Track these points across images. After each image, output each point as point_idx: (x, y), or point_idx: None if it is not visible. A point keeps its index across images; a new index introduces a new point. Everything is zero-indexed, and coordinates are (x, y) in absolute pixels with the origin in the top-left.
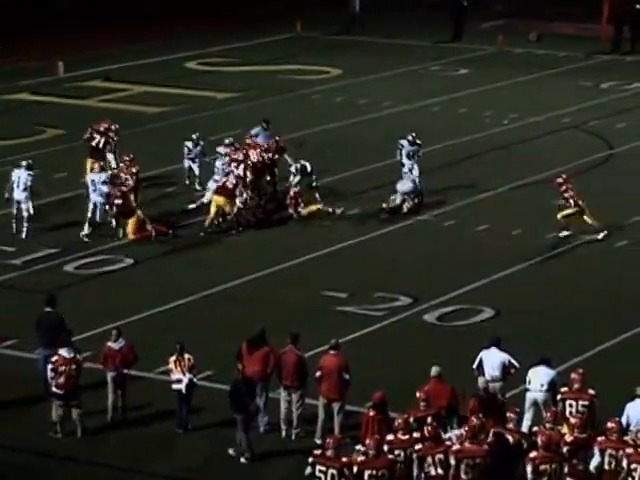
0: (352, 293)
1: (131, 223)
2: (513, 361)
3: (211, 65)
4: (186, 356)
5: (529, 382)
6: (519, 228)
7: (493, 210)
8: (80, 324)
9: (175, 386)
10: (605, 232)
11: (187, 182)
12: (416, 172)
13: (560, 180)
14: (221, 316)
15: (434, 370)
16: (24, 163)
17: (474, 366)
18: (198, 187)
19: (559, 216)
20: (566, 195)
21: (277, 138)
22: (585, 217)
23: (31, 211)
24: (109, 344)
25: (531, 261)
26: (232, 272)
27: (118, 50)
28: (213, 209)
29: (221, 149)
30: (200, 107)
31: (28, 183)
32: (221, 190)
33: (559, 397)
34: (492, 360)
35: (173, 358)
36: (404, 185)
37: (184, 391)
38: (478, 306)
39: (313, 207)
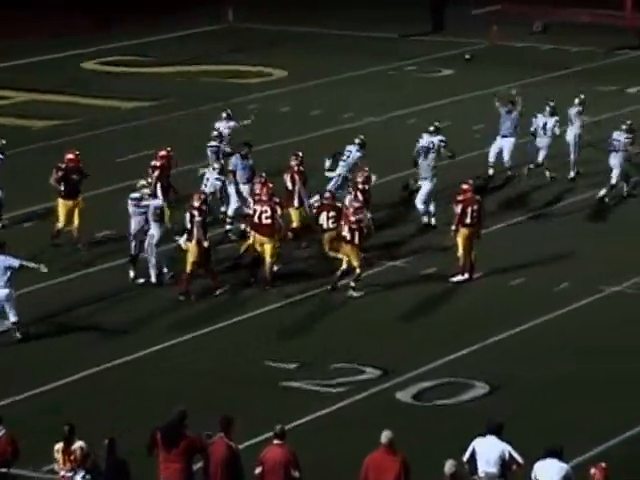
0: (302, 363)
1: None
2: (515, 454)
3: (115, 65)
4: (78, 444)
5: None
6: (521, 276)
7: (485, 254)
8: None
9: None
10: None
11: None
12: None
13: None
14: (133, 392)
15: (384, 436)
16: None
17: (464, 459)
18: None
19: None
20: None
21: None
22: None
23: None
24: None
25: (537, 320)
26: (146, 335)
27: None
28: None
29: None
30: (101, 120)
31: None
32: None
33: None
34: (488, 452)
35: (59, 446)
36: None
37: None
38: (468, 380)
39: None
